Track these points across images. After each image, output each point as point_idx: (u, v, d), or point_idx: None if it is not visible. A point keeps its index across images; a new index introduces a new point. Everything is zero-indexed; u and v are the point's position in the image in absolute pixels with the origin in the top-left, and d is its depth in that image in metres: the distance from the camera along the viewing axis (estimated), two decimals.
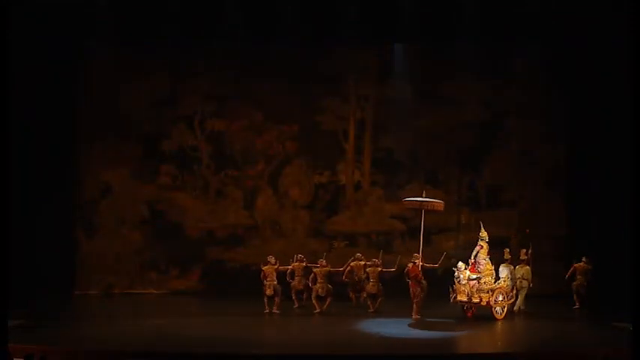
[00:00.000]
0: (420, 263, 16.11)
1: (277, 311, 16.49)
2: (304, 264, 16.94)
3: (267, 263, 16.69)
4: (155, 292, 19.98)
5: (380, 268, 16.82)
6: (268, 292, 16.48)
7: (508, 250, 17.09)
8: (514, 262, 16.90)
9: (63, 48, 19.24)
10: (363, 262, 17.11)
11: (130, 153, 20.24)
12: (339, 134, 20.53)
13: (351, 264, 17.16)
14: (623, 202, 15.13)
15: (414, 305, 15.99)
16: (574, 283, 17.21)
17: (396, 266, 16.87)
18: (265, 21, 19.18)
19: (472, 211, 20.22)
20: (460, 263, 16.17)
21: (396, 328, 15.11)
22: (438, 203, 17.15)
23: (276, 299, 16.53)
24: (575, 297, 17.20)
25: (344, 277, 17.15)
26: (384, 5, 18.88)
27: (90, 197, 20.14)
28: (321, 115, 20.43)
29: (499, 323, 15.75)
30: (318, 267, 16.84)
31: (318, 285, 16.69)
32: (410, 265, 16.12)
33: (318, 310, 16.65)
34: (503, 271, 16.56)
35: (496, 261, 16.62)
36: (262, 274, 16.58)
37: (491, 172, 20.34)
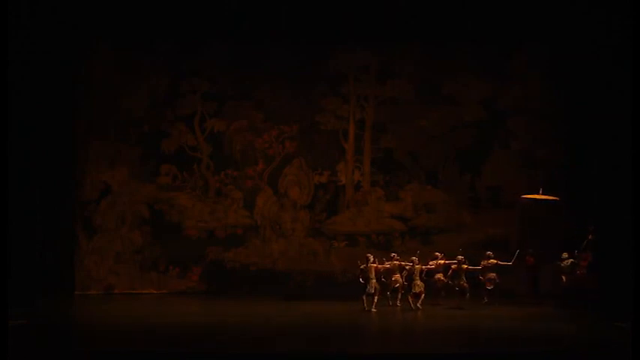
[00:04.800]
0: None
1: (375, 310, 16.50)
2: (398, 262, 17.00)
3: (366, 262, 16.62)
4: (155, 292, 20.00)
5: (465, 266, 17.06)
6: (369, 290, 16.47)
7: None
8: None
9: (63, 48, 19.26)
10: (443, 261, 17.27)
11: (129, 153, 20.26)
12: (339, 134, 20.55)
13: (430, 262, 17.31)
14: (623, 202, 15.15)
15: (534, 293, 17.56)
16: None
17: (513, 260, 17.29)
18: (265, 21, 19.19)
19: (472, 211, 20.26)
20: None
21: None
22: (553, 199, 18.01)
23: (376, 298, 16.56)
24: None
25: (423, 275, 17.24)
26: (384, 5, 18.88)
27: (90, 197, 20.16)
28: (321, 115, 20.46)
29: (497, 323, 15.79)
30: (410, 265, 16.95)
31: (413, 282, 16.86)
32: (531, 258, 17.67)
33: (414, 308, 16.77)
34: None
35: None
36: (360, 272, 16.59)
37: (491, 172, 20.35)
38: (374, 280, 16.42)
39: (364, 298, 16.49)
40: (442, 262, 17.27)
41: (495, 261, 17.32)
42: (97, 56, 20.15)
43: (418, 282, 16.82)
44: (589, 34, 18.42)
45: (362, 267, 16.54)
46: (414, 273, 16.85)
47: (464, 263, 17.06)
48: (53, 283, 19.06)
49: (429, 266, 17.21)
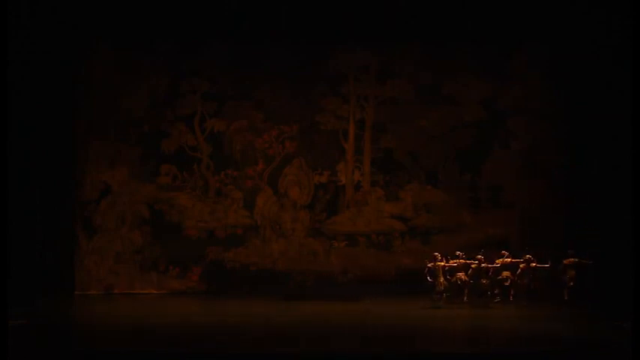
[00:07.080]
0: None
1: (443, 307, 16.75)
2: (464, 261, 17.18)
3: (433, 260, 16.84)
4: (155, 292, 20.00)
5: (534, 264, 17.19)
6: (438, 287, 16.71)
7: None
8: None
9: (63, 48, 19.27)
10: (509, 260, 17.38)
11: (129, 153, 20.26)
12: (339, 134, 20.55)
13: (497, 260, 17.41)
14: (623, 202, 15.16)
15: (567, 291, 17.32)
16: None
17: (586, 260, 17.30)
18: (265, 21, 19.19)
19: (472, 211, 20.26)
20: None
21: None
22: None
23: (445, 295, 16.81)
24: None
25: (490, 273, 17.37)
26: (384, 5, 18.88)
27: (90, 197, 20.15)
28: (321, 115, 20.45)
29: (500, 323, 15.79)
30: (476, 263, 17.16)
31: (482, 280, 17.17)
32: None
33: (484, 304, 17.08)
34: None
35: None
36: (427, 270, 16.80)
37: (491, 172, 20.35)
38: (442, 279, 16.72)
39: (433, 296, 16.78)
40: (509, 260, 17.36)
41: (576, 259, 17.31)
42: (97, 56, 20.14)
43: (484, 280, 17.13)
44: (589, 34, 18.43)
45: (430, 265, 16.79)
46: (480, 271, 17.08)
47: (532, 262, 17.18)
48: (53, 283, 19.06)
49: (494, 264, 17.32)
